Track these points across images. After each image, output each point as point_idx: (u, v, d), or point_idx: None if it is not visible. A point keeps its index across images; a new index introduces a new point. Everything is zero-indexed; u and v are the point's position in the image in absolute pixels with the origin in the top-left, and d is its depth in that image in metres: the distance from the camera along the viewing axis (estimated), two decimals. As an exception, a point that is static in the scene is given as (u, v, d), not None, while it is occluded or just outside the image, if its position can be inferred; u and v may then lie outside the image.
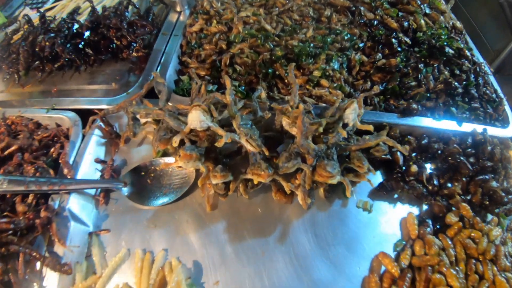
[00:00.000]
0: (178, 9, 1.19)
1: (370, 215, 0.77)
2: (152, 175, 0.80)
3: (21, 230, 0.68)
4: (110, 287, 0.67)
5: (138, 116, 0.84)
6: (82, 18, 1.22)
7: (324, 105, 0.86)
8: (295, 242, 0.71)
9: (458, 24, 1.20)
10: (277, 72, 0.92)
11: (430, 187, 0.82)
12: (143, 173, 0.80)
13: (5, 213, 0.70)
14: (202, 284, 0.66)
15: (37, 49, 1.07)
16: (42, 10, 1.34)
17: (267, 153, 0.69)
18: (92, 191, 0.80)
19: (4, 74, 1.13)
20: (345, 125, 0.69)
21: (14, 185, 0.70)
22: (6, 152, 0.80)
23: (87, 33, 1.10)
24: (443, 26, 1.13)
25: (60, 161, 0.79)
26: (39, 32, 1.11)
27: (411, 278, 0.69)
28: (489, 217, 0.79)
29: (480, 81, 1.01)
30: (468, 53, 1.07)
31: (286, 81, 0.91)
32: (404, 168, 0.81)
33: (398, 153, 0.81)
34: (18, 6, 1.49)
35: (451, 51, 1.03)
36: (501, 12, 1.76)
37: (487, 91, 1.00)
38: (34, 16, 1.26)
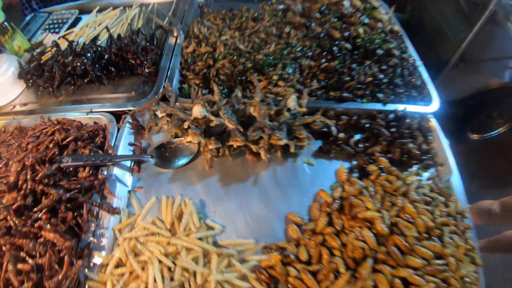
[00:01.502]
0: (175, 34, 1.50)
1: (314, 168, 1.10)
2: (170, 149, 1.16)
3: (84, 189, 1.02)
4: (146, 221, 1.00)
5: (157, 113, 1.20)
6: (99, 43, 1.55)
7: (280, 98, 1.15)
8: (263, 185, 1.04)
9: (396, 28, 1.40)
10: (248, 79, 1.23)
11: (356, 149, 1.17)
12: (163, 150, 1.16)
13: (73, 178, 1.05)
14: (205, 213, 1.02)
15: (69, 68, 1.38)
16: (66, 37, 1.64)
17: (241, 129, 1.06)
18: (128, 163, 1.13)
19: (36, 88, 1.43)
20: (289, 109, 1.07)
21: (75, 161, 1.05)
22: (65, 142, 1.12)
23: (106, 56, 1.40)
24: (379, 31, 1.34)
25: (106, 146, 1.13)
26: (68, 54, 1.44)
27: (339, 203, 0.93)
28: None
29: (405, 72, 1.23)
30: (397, 52, 1.29)
31: (254, 84, 1.27)
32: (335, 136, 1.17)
33: (332, 127, 1.18)
34: (36, 31, 1.78)
35: (381, 51, 1.27)
36: (461, 8, 1.89)
37: (412, 80, 1.22)
38: (51, 37, 1.60)
